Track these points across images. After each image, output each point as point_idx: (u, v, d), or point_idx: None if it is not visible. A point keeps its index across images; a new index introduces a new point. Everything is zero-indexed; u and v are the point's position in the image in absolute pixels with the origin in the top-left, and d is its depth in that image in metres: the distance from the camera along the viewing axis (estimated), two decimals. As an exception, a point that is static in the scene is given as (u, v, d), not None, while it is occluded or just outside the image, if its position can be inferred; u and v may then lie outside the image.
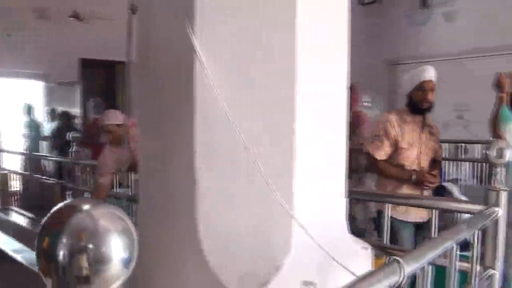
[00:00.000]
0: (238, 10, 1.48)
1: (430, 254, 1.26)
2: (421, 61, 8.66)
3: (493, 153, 1.89)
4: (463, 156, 6.86)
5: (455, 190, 4.00)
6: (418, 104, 3.10)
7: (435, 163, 3.32)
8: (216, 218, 1.46)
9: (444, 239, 1.39)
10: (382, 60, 9.20)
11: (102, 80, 9.47)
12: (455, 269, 1.56)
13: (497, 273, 1.80)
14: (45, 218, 0.51)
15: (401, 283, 1.07)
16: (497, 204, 1.82)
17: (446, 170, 6.46)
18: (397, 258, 1.10)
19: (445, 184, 5.77)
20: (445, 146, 6.63)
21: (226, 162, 1.48)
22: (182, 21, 1.44)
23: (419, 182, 3.05)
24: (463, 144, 7.08)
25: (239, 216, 1.46)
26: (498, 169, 1.90)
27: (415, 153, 3.12)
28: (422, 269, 1.28)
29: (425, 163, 3.17)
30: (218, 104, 1.41)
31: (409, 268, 1.11)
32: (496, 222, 1.79)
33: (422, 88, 3.05)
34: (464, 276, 1.74)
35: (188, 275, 1.40)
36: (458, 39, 8.33)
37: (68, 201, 0.54)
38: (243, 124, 1.41)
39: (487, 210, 1.78)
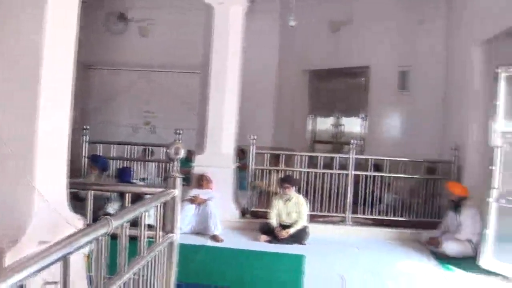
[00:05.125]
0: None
1: (128, 215, 1.79)
2: (115, 68, 9.28)
3: (171, 151, 2.55)
4: (149, 158, 7.72)
5: (142, 185, 4.69)
6: None
7: None
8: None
9: (138, 207, 1.93)
10: (79, 64, 9.39)
11: None
12: (144, 236, 2.09)
13: (175, 236, 2.43)
14: None
15: (109, 233, 1.57)
16: (174, 187, 2.48)
17: (135, 170, 7.17)
18: (106, 217, 1.59)
19: (134, 181, 6.47)
20: (133, 148, 7.38)
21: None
22: None
23: None
24: (150, 147, 7.95)
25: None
26: (175, 163, 2.57)
27: None
28: (122, 225, 1.79)
29: None
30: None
31: (115, 223, 1.61)
32: (174, 199, 2.44)
33: None
34: (152, 242, 2.31)
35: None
36: (149, 53, 9.27)
37: None
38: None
39: (167, 191, 2.41)
